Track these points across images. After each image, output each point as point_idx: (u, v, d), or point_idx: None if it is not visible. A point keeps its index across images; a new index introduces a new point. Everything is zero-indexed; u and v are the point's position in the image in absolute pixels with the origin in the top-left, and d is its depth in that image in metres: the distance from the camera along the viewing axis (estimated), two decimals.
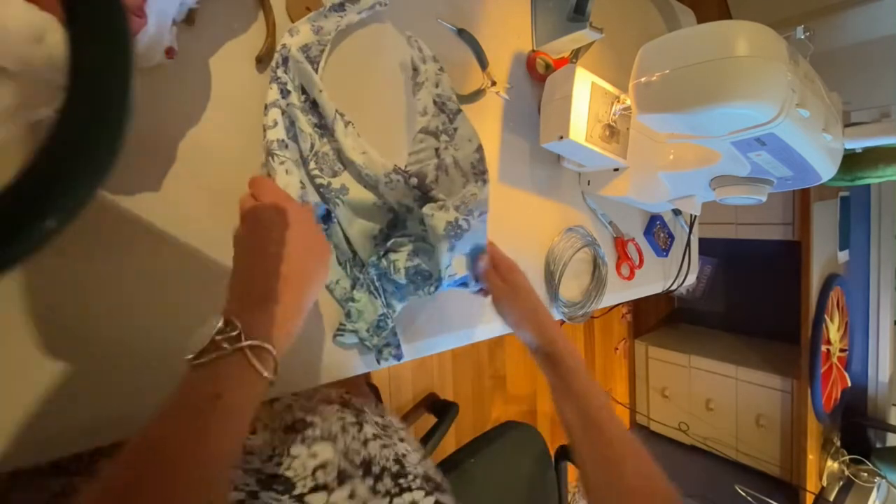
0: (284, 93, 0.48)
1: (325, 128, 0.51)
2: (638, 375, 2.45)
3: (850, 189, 1.99)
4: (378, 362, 0.54)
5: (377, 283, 0.53)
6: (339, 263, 0.53)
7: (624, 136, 0.71)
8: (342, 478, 0.40)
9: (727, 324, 2.46)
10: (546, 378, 0.48)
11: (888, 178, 0.87)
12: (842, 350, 1.93)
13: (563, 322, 0.83)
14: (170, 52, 0.39)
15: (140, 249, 0.42)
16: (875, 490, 1.80)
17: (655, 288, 0.99)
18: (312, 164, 0.50)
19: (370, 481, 0.41)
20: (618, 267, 0.90)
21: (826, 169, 0.64)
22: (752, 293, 2.36)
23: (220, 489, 0.27)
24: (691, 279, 1.04)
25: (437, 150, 0.55)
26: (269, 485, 0.38)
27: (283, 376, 0.32)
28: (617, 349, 2.40)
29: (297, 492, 0.38)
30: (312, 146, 0.50)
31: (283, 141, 0.47)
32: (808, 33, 0.60)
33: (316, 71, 0.50)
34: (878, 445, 2.04)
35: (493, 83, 0.69)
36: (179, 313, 0.43)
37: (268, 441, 0.43)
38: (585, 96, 0.67)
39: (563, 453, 0.99)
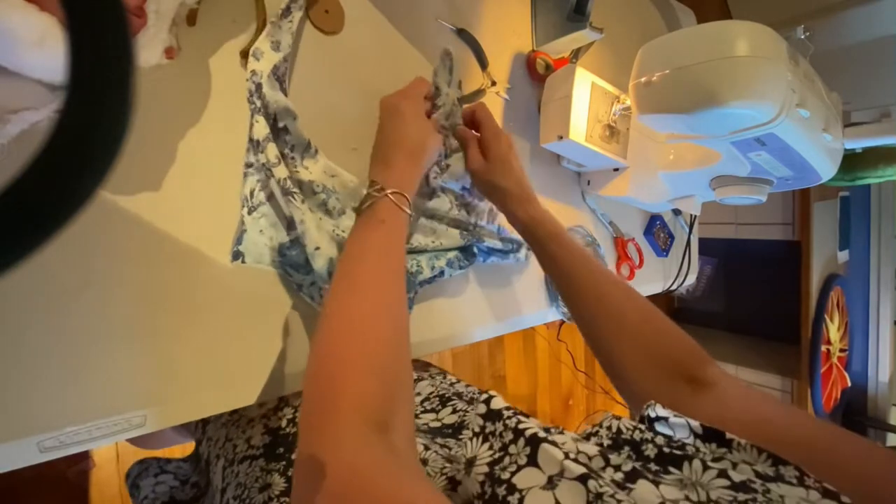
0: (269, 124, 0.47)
1: (289, 157, 0.49)
2: None
3: (850, 189, 1.99)
4: None
5: None
6: None
7: (624, 136, 0.71)
8: (444, 401, 0.49)
9: (727, 324, 2.46)
10: (532, 248, 0.56)
11: (888, 178, 0.87)
12: (842, 350, 1.93)
13: (563, 322, 0.83)
14: (170, 52, 0.39)
15: (140, 249, 0.42)
16: None
17: (655, 288, 0.99)
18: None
19: (465, 400, 0.49)
20: (618, 267, 0.90)
21: (826, 169, 0.64)
22: (752, 293, 2.36)
23: (396, 275, 0.40)
24: (691, 279, 1.04)
25: (427, 177, 0.56)
26: None
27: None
28: None
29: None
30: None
31: (292, 178, 0.47)
32: (808, 33, 0.60)
33: (286, 92, 0.49)
34: None
35: (493, 83, 0.69)
36: (179, 311, 0.43)
37: None
38: (585, 96, 0.67)
39: None
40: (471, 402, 0.50)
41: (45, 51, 0.30)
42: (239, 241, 0.47)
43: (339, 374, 0.31)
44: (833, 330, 1.86)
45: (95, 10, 0.16)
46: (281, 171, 0.46)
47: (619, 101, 0.70)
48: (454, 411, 0.46)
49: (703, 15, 1.00)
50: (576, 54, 0.79)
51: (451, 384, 0.56)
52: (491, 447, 0.30)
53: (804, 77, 0.53)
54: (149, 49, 0.37)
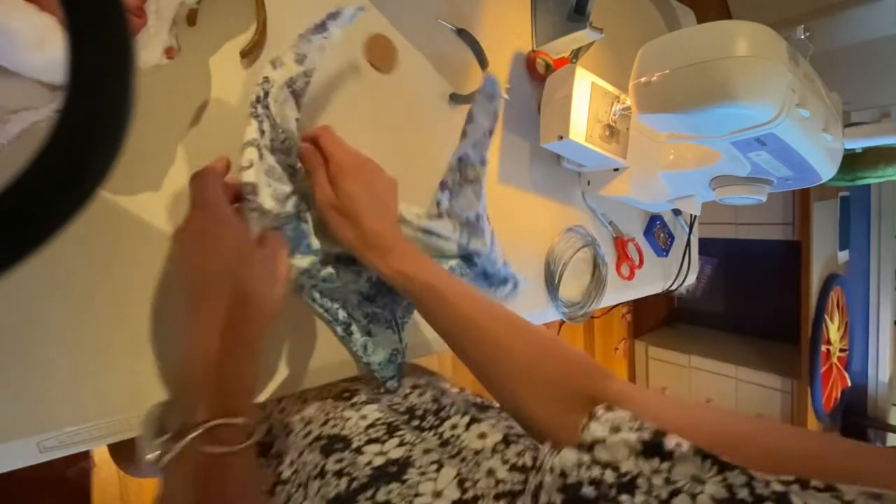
0: (262, 131, 0.44)
1: (296, 170, 0.47)
2: (638, 375, 2.45)
3: (850, 189, 1.99)
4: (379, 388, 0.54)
5: (398, 318, 0.53)
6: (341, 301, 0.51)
7: (624, 136, 0.71)
8: (391, 430, 0.43)
9: (727, 324, 2.46)
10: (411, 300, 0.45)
11: (888, 178, 0.87)
12: (842, 350, 1.94)
13: (563, 322, 0.83)
14: (170, 52, 0.39)
15: (140, 249, 0.42)
16: None
17: (655, 288, 0.99)
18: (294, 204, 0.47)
19: (416, 422, 0.45)
20: (618, 267, 0.90)
21: (826, 169, 0.64)
22: (752, 293, 2.36)
23: None
24: (691, 279, 1.04)
25: (438, 202, 0.54)
26: (331, 447, 0.42)
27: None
28: (617, 349, 2.40)
29: (354, 445, 0.41)
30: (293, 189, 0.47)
31: (255, 186, 0.42)
32: (807, 33, 0.60)
33: (299, 106, 0.46)
34: (878, 445, 2.03)
35: None
36: (179, 311, 0.43)
37: (321, 408, 0.48)
38: (585, 96, 0.67)
39: None
40: (423, 416, 0.45)
41: (45, 51, 0.30)
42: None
43: None
44: (833, 330, 1.86)
45: (95, 10, 0.16)
46: (247, 176, 0.42)
47: (619, 101, 0.70)
48: (401, 444, 0.41)
49: (703, 15, 1.00)
50: (576, 54, 0.79)
51: (405, 396, 0.50)
52: None
53: (804, 77, 0.53)
54: (149, 49, 0.37)
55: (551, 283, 0.77)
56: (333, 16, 0.47)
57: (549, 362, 0.39)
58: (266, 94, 0.44)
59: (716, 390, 2.14)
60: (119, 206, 0.41)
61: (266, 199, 0.44)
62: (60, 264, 0.38)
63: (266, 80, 0.44)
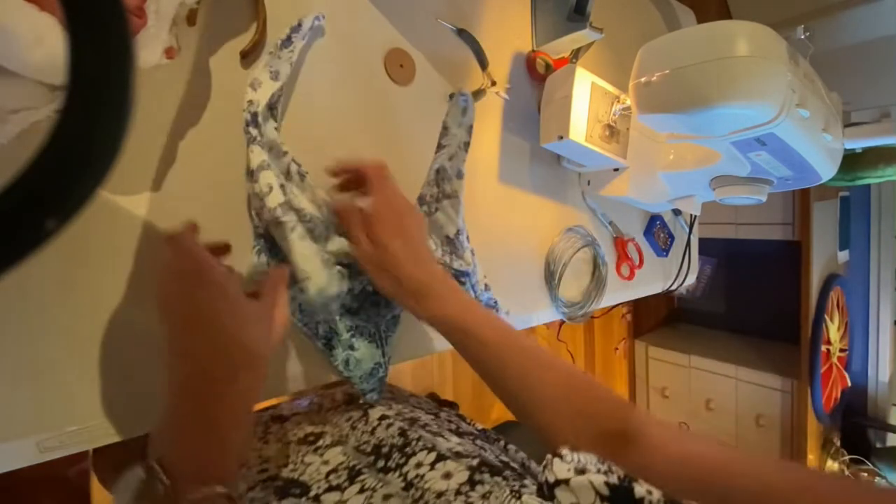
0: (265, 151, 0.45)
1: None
2: (638, 375, 2.45)
3: (850, 189, 1.99)
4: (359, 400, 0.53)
5: (383, 331, 0.52)
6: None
7: (624, 136, 0.71)
8: (352, 475, 0.41)
9: (727, 324, 2.46)
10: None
11: (888, 178, 0.87)
12: (842, 350, 1.93)
13: (563, 322, 0.83)
14: (170, 52, 0.39)
15: (140, 249, 0.42)
16: None
17: (655, 288, 0.99)
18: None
19: (381, 462, 0.43)
20: (618, 267, 0.90)
21: (826, 169, 0.64)
22: (752, 293, 2.36)
23: None
24: (691, 279, 1.04)
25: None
26: (286, 490, 0.40)
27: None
28: (617, 349, 2.40)
29: (312, 493, 0.40)
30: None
31: (285, 204, 0.43)
32: (808, 33, 0.61)
33: (276, 117, 0.47)
34: (878, 445, 2.04)
35: (493, 83, 0.69)
36: None
37: (282, 451, 0.46)
38: (585, 96, 0.67)
39: None
40: (389, 454, 0.43)
41: (45, 51, 0.30)
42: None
43: None
44: (833, 330, 1.86)
45: (95, 10, 0.16)
46: (272, 200, 0.43)
47: (619, 101, 0.70)
48: (362, 490, 0.40)
49: (703, 15, 1.00)
50: (576, 54, 0.79)
51: (372, 430, 0.47)
52: None
53: (804, 77, 0.53)
54: (149, 49, 0.37)
55: (551, 283, 0.77)
56: (296, 28, 0.48)
57: (576, 398, 0.41)
58: (254, 115, 0.45)
59: (716, 390, 2.14)
60: (118, 205, 0.41)
61: (307, 206, 0.45)
62: (60, 264, 0.38)
63: (250, 102, 0.45)
